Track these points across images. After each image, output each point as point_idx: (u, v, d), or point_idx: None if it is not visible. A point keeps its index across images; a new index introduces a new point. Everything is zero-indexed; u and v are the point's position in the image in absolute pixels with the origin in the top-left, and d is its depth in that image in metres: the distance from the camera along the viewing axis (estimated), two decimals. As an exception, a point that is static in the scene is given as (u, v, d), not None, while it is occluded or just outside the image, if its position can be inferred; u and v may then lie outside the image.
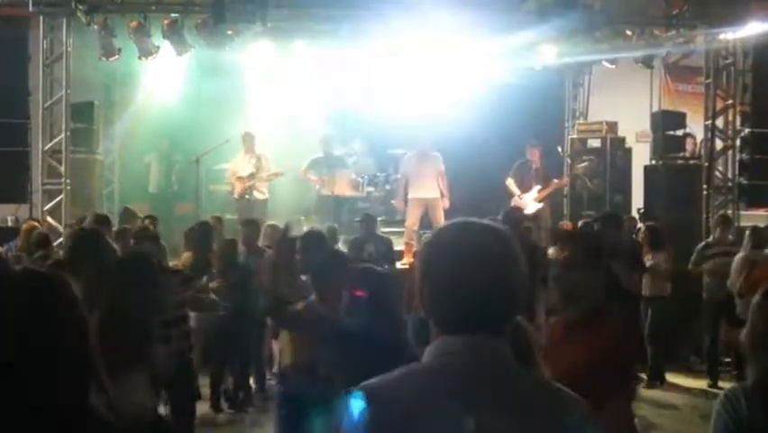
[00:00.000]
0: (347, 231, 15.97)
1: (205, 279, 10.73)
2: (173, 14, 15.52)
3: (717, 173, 16.59)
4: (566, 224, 15.07)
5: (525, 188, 17.19)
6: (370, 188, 18.31)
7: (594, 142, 18.64)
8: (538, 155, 17.36)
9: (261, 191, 17.35)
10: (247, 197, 17.11)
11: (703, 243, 14.09)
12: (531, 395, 2.43)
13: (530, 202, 16.96)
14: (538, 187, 17.11)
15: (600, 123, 18.86)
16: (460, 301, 2.43)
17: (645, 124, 18.51)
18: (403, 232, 16.69)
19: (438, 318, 2.50)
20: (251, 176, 17.12)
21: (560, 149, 18.47)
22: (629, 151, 18.71)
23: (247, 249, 12.30)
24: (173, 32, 15.50)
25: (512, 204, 16.87)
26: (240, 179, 17.19)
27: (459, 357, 2.40)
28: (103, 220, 12.13)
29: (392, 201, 17.68)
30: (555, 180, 17.28)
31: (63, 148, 15.20)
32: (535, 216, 16.43)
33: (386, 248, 13.97)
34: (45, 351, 2.63)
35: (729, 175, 16.62)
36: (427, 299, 2.51)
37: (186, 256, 11.50)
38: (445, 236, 2.57)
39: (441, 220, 15.73)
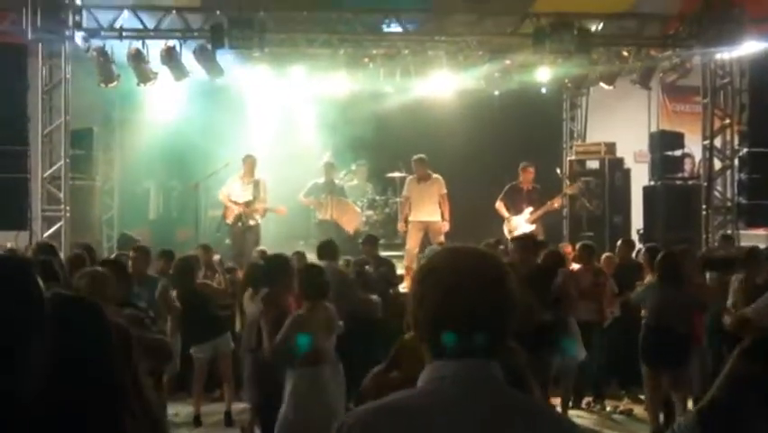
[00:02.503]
0: (349, 255, 15.99)
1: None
2: (171, 40, 15.57)
3: (716, 193, 16.62)
4: (565, 246, 15.02)
5: (516, 211, 17.11)
6: (369, 212, 18.31)
7: (592, 164, 18.65)
8: (531, 176, 17.26)
9: (254, 218, 17.09)
10: (240, 224, 16.82)
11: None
12: (527, 421, 2.43)
13: (521, 224, 16.87)
14: (530, 209, 17.03)
15: (599, 144, 18.86)
16: (453, 326, 2.43)
17: (644, 145, 18.54)
18: (402, 255, 16.69)
19: (431, 343, 2.49)
20: (248, 204, 16.86)
21: (558, 170, 18.46)
22: (628, 171, 18.71)
23: (136, 278, 10.76)
24: (171, 58, 15.56)
25: (504, 228, 16.87)
26: (234, 202, 16.95)
27: (450, 382, 2.40)
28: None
29: (399, 224, 17.59)
30: (549, 202, 17.17)
31: (62, 175, 15.27)
32: None
33: (388, 271, 13.95)
34: (81, 380, 2.63)
35: (728, 195, 16.64)
36: (421, 323, 2.51)
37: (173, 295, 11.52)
38: (439, 262, 2.57)
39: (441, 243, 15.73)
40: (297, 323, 8.05)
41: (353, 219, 17.81)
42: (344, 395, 8.45)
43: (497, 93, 18.40)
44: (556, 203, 17.24)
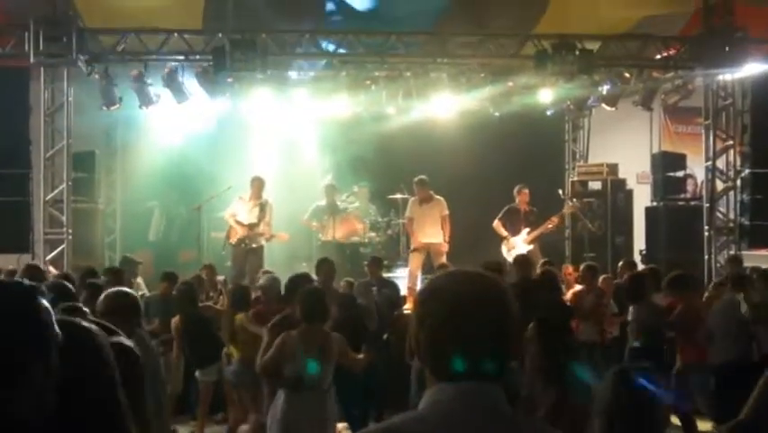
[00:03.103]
0: (351, 276, 15.94)
1: None
2: (173, 63, 15.60)
3: (718, 214, 16.58)
4: (567, 267, 15.03)
5: (513, 232, 17.15)
6: (372, 234, 18.31)
7: (595, 185, 18.67)
8: (527, 198, 17.33)
9: (258, 241, 16.82)
10: (243, 245, 16.78)
11: (717, 280, 13.96)
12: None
13: (519, 244, 16.91)
14: (527, 229, 17.06)
15: (601, 165, 18.89)
16: (455, 349, 2.42)
17: (646, 166, 18.56)
18: (404, 277, 16.67)
19: (433, 366, 2.48)
20: (252, 226, 16.82)
21: (560, 191, 18.44)
22: (630, 192, 18.73)
23: None
24: (173, 81, 15.60)
25: (502, 247, 16.90)
26: (239, 223, 16.90)
27: (451, 405, 2.38)
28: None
29: (412, 241, 17.58)
30: (545, 223, 17.18)
31: (65, 197, 15.28)
32: None
33: (392, 292, 13.94)
34: (84, 404, 2.64)
35: (731, 216, 16.61)
36: (423, 346, 2.50)
37: (174, 320, 11.50)
38: (440, 285, 2.56)
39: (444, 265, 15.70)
40: (284, 343, 7.95)
41: (354, 226, 17.87)
42: (331, 424, 8.27)
43: (499, 114, 18.39)
44: (551, 223, 17.24)
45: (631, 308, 11.50)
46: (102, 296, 7.04)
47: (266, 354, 8.17)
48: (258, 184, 16.89)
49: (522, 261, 13.12)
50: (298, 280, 9.59)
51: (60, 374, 2.60)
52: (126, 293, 7.22)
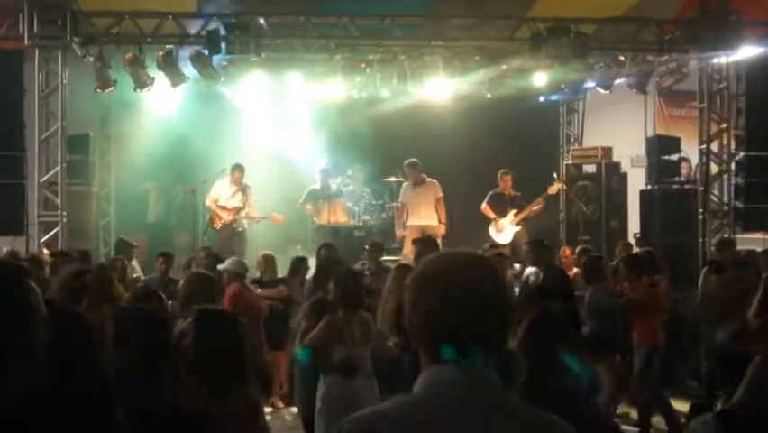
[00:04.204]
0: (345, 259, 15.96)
1: None
2: (168, 46, 15.57)
3: (712, 197, 16.58)
4: (565, 250, 15.07)
5: (500, 215, 17.31)
6: (366, 217, 18.32)
7: (589, 168, 18.65)
8: (509, 182, 17.54)
9: (242, 224, 17.13)
10: (229, 230, 16.80)
11: (707, 266, 13.92)
12: (521, 427, 2.42)
13: (507, 225, 17.07)
14: (514, 211, 17.21)
15: (595, 148, 18.88)
16: (448, 330, 2.43)
17: (640, 149, 18.53)
18: (399, 260, 16.68)
19: (427, 349, 2.49)
20: (238, 210, 16.96)
21: (555, 175, 18.44)
22: (624, 176, 18.71)
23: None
24: (168, 64, 15.56)
25: (491, 229, 17.03)
26: (223, 207, 17.02)
27: (446, 388, 2.39)
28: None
29: (397, 231, 17.73)
30: (530, 204, 17.32)
31: (59, 180, 15.24)
32: (514, 240, 16.68)
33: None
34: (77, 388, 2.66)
35: (725, 199, 16.62)
36: (417, 328, 2.50)
37: None
38: (434, 266, 2.56)
39: (438, 247, 15.73)
40: (332, 326, 8.00)
41: (338, 218, 17.90)
42: None
43: (494, 97, 18.37)
44: (537, 205, 17.35)
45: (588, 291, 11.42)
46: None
47: (305, 338, 8.21)
48: (239, 171, 17.16)
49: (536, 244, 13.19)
50: (330, 265, 9.61)
51: (48, 354, 2.61)
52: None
